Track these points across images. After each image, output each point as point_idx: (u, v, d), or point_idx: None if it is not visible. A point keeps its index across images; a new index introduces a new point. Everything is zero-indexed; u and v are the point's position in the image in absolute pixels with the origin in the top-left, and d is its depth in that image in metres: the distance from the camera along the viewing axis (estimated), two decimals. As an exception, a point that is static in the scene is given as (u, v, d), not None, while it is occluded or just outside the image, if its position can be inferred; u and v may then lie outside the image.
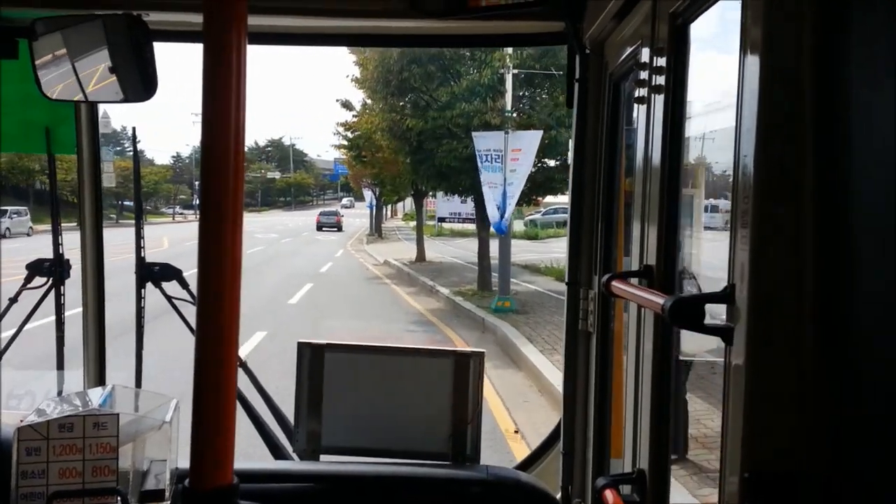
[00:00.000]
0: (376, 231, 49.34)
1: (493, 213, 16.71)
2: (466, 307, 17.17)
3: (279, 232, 51.69)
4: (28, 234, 35.55)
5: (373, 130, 22.94)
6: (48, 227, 3.07)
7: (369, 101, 23.66)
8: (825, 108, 1.04)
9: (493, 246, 19.03)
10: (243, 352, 9.51)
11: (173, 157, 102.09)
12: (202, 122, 1.08)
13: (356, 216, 70.93)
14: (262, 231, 50.16)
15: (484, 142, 17.08)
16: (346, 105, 26.47)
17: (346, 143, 30.87)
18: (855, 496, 1.01)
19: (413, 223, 39.54)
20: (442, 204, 40.62)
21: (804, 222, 1.04)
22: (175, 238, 30.26)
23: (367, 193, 49.00)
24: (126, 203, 68.88)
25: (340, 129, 30.75)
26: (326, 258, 31.63)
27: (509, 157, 16.39)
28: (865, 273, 1.01)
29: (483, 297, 18.10)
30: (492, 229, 17.63)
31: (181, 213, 79.30)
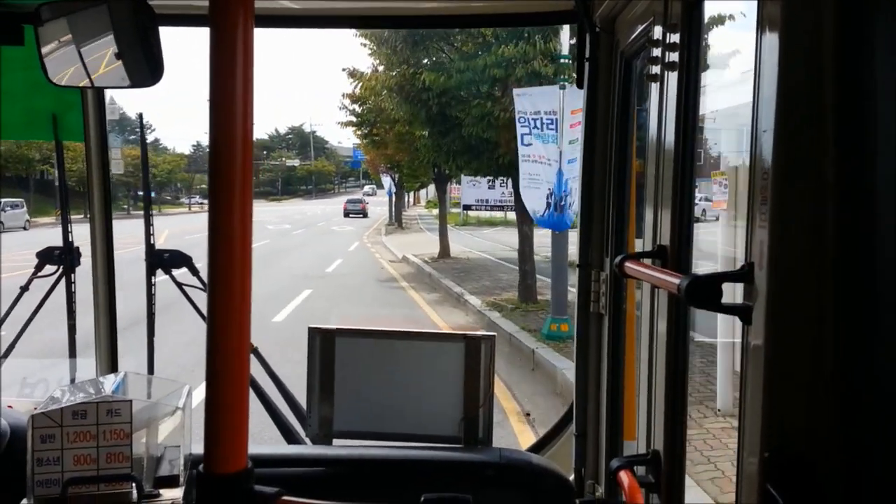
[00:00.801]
0: (396, 221, 45.67)
1: (539, 201, 11.82)
2: (506, 328, 12.32)
3: (294, 222, 49.07)
4: (25, 228, 33.05)
5: (380, 92, 17.54)
6: (49, 219, 3.08)
7: (377, 63, 18.23)
8: (847, 87, 1.02)
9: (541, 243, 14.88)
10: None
11: (193, 146, 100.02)
12: (210, 107, 1.06)
13: (376, 204, 66.64)
14: (276, 221, 48.04)
15: (529, 101, 11.98)
16: (354, 74, 19.45)
17: (354, 119, 27.62)
18: (874, 477, 1.00)
19: (436, 211, 34.42)
20: (467, 190, 35.57)
21: (824, 200, 1.02)
22: (179, 230, 26.20)
23: (386, 180, 45.12)
24: (140, 193, 67.77)
25: (347, 103, 27.04)
26: (337, 253, 27.65)
27: (567, 121, 11.11)
28: (886, 252, 0.99)
29: (527, 313, 13.79)
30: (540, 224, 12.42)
31: (200, 203, 76.24)
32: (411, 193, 65.73)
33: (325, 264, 23.45)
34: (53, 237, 3.07)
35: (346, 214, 56.94)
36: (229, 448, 1.00)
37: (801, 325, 1.07)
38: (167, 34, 2.41)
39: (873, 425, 1.01)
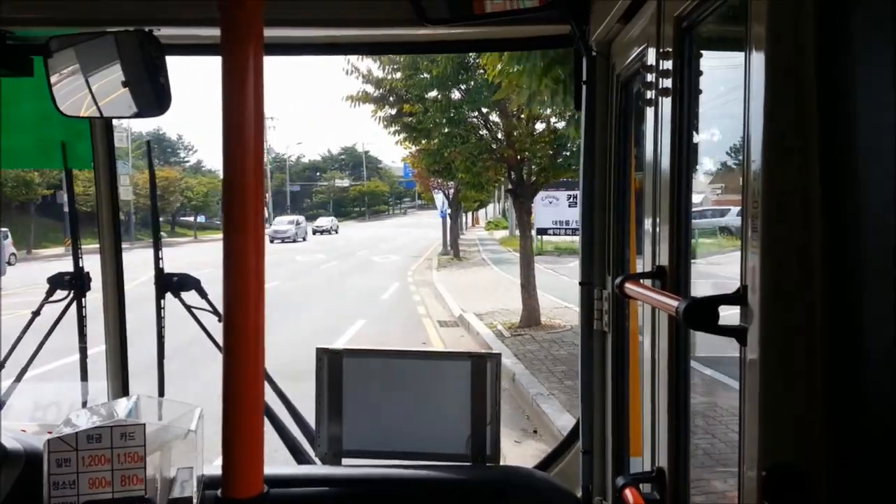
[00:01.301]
0: (451, 249, 35.21)
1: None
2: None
3: (331, 250, 40.97)
4: (10, 263, 27.42)
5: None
6: (55, 250, 3.10)
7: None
8: (829, 111, 1.06)
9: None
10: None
11: None
12: (222, 133, 1.10)
13: (430, 226, 52.56)
14: (310, 249, 41.92)
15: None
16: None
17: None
18: (870, 492, 1.03)
19: (499, 234, 28.47)
20: (542, 209, 27.19)
21: (812, 224, 1.07)
22: (194, 262, 13.83)
23: (438, 197, 35.94)
24: (181, 218, 62.74)
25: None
26: (362, 306, 18.24)
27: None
28: (873, 272, 1.03)
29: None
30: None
31: None
32: (469, 214, 55.36)
33: (338, 331, 14.16)
34: (39, 277, 2.99)
35: (272, 241, 47.01)
36: (246, 474, 1.03)
37: (794, 344, 1.11)
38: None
39: (866, 441, 1.05)
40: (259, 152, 1.09)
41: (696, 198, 1.78)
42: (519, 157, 14.37)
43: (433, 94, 14.54)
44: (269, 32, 1.18)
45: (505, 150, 14.36)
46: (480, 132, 14.99)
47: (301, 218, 60.28)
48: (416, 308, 18.40)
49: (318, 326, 14.73)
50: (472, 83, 13.77)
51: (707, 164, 2.25)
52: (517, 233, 17.32)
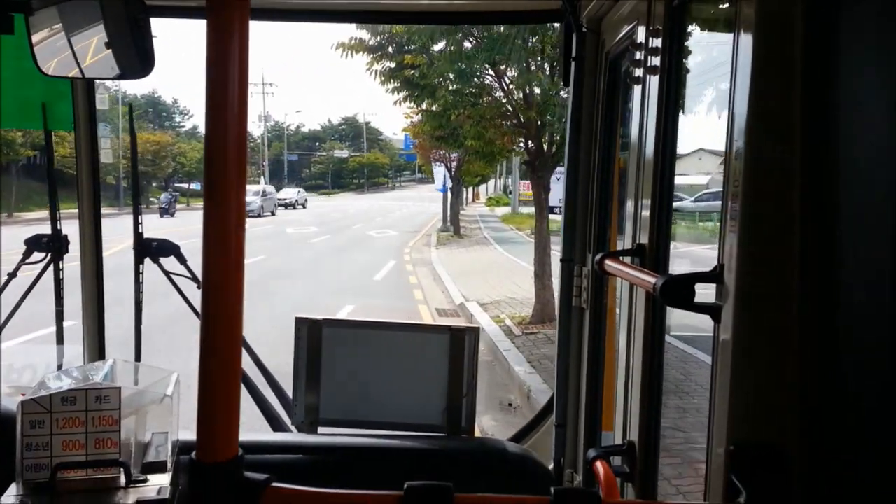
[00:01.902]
0: (452, 225, 32.88)
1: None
2: None
3: (324, 223, 37.72)
4: None
5: None
6: (37, 214, 3.05)
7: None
8: (813, 97, 1.07)
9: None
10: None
11: None
12: (206, 98, 1.09)
13: (428, 200, 51.81)
14: (305, 221, 39.17)
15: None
16: None
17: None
18: (832, 466, 1.06)
19: (500, 211, 26.08)
20: (557, 185, 25.79)
21: (790, 206, 1.08)
22: (180, 231, 10.98)
23: (439, 171, 34.02)
24: (177, 185, 58.53)
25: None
26: (354, 286, 17.14)
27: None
28: (847, 255, 1.05)
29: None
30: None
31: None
32: (470, 189, 51.61)
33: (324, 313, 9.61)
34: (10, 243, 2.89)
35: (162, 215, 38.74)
36: (221, 437, 1.04)
37: (767, 323, 1.13)
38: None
39: (835, 418, 1.07)
40: (243, 121, 1.08)
41: (703, 179, 1.78)
42: (540, 121, 12.22)
43: (441, 45, 12.21)
44: None
45: (525, 111, 12.12)
46: (496, 93, 12.89)
47: (271, 188, 52.97)
48: (411, 292, 16.58)
49: (300, 310, 11.51)
50: (487, 32, 11.32)
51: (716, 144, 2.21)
52: (520, 210, 13.86)
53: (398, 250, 25.47)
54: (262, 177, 70.77)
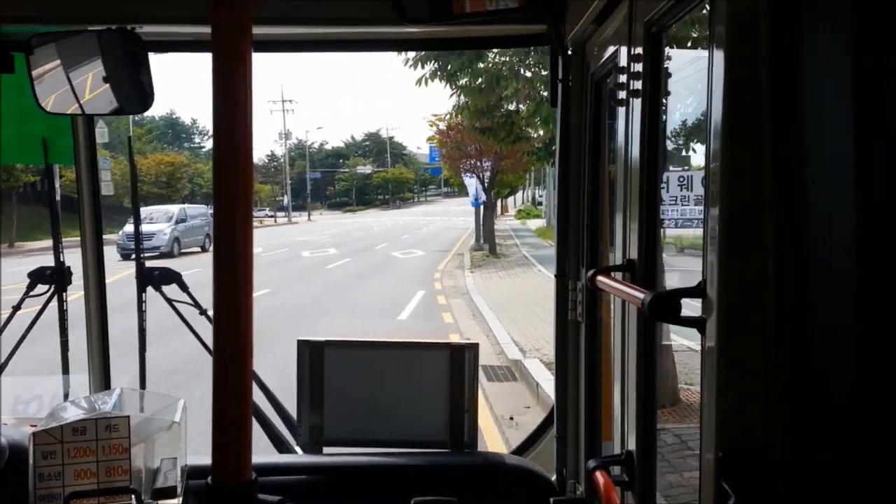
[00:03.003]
0: (486, 243, 29.16)
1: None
2: None
3: (344, 244, 34.25)
4: None
5: None
6: (39, 243, 3.08)
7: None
8: (782, 112, 1.13)
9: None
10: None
11: (268, 155, 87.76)
12: (213, 130, 1.14)
13: (457, 214, 49.11)
14: (324, 242, 35.35)
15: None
16: None
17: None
18: (817, 468, 1.11)
19: (533, 223, 23.27)
20: None
21: (765, 224, 1.14)
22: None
23: (471, 182, 30.24)
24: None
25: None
26: (375, 332, 12.74)
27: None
28: (820, 266, 1.10)
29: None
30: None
31: (270, 216, 65.01)
32: (499, 201, 46.52)
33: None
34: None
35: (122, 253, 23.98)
36: (235, 461, 1.08)
37: (750, 335, 1.18)
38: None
39: (818, 423, 1.12)
40: (248, 149, 1.13)
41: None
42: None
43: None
44: (257, 30, 1.22)
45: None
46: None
47: (198, 209, 34.18)
48: (446, 337, 11.75)
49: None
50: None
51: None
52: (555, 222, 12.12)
53: (427, 275, 22.02)
54: (284, 196, 68.95)
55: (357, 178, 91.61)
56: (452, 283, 20.19)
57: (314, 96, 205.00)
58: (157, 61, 2.41)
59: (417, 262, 25.99)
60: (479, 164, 24.17)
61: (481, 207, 30.43)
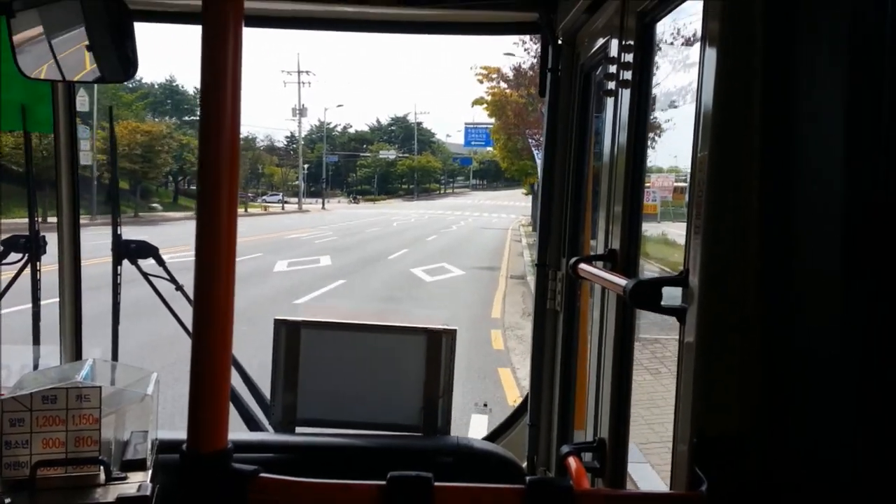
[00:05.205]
0: None
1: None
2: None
3: (346, 249, 24.98)
4: None
5: None
6: (21, 220, 3.03)
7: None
8: (771, 107, 1.14)
9: None
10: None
11: (287, 137, 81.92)
12: (200, 104, 1.12)
13: (493, 209, 41.85)
14: (319, 246, 25.98)
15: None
16: None
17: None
18: (790, 458, 1.12)
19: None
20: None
21: (750, 214, 1.15)
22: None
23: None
24: (191, 188, 48.33)
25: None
26: None
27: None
28: (803, 258, 1.12)
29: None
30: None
31: (281, 202, 59.94)
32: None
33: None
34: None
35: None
36: (211, 428, 1.08)
37: (729, 325, 1.19)
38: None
39: (789, 414, 1.13)
40: (235, 127, 1.11)
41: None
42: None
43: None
44: (249, 5, 1.20)
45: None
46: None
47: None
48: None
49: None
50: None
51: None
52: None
53: (480, 321, 12.42)
54: (299, 181, 63.98)
55: (380, 164, 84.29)
56: (516, 303, 11.84)
57: (335, 71, 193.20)
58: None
59: (455, 290, 16.13)
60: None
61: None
